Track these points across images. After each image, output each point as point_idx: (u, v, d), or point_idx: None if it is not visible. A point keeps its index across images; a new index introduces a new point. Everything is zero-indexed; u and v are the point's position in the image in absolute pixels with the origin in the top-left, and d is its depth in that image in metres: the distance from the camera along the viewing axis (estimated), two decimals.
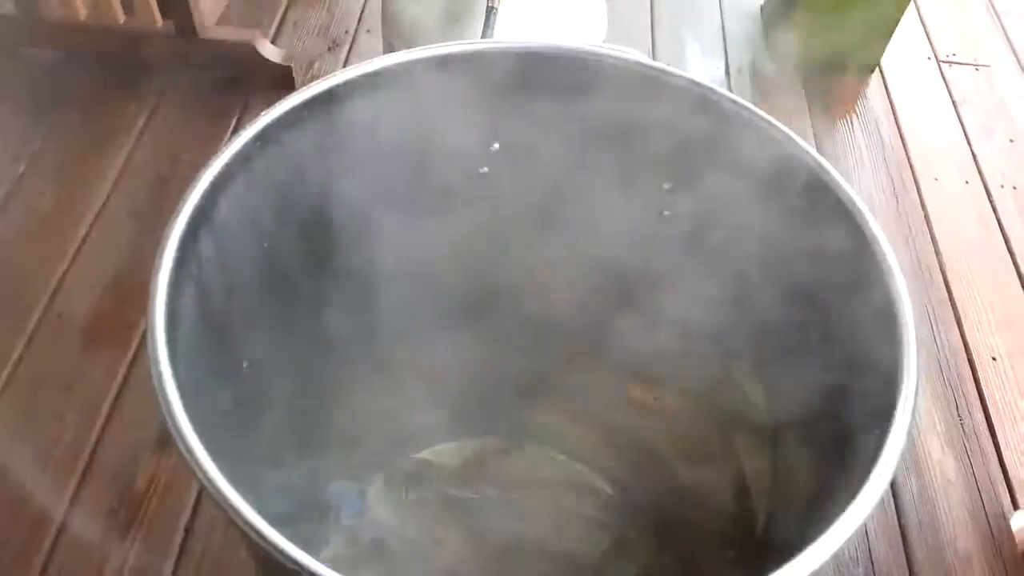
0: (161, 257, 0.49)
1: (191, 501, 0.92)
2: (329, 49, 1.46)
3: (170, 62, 1.38)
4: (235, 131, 1.32)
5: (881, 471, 0.42)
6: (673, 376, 0.74)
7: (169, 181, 1.24)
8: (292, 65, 1.36)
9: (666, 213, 0.67)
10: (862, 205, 0.53)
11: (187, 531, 0.90)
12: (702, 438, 0.74)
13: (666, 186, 0.65)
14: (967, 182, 1.39)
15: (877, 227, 0.52)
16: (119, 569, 0.87)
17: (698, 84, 0.60)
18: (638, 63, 0.60)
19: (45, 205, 1.19)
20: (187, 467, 0.42)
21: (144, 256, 1.12)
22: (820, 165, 0.56)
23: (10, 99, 1.32)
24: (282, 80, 1.36)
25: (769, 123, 0.58)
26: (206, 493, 0.88)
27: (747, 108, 0.59)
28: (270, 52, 1.35)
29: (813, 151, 0.57)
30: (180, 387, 0.44)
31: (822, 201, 0.56)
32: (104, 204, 1.20)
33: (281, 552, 0.39)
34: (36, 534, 0.88)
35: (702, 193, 0.62)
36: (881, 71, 1.55)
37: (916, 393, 0.44)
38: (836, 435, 0.53)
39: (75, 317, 1.07)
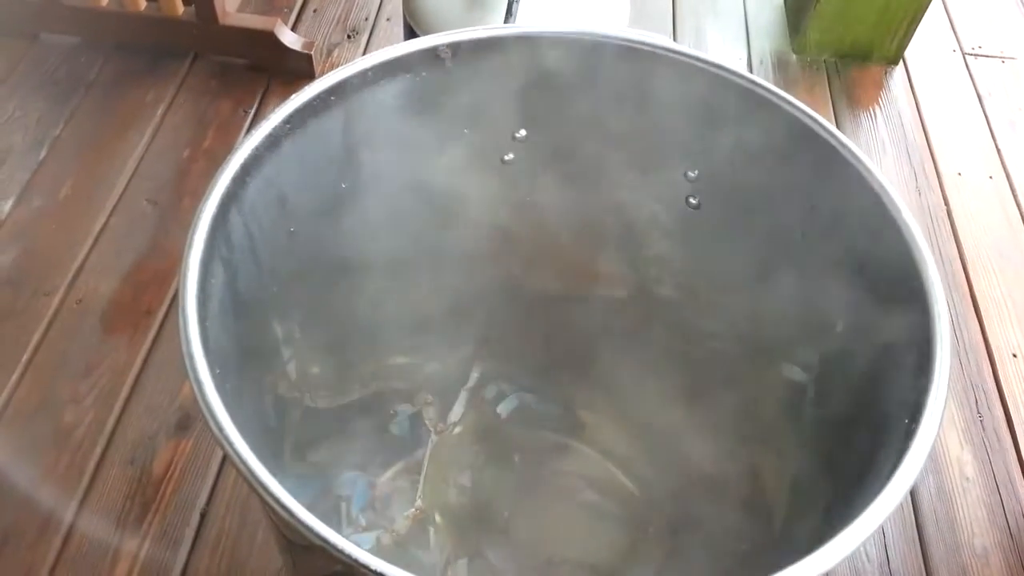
0: (193, 236, 0.48)
1: (208, 486, 0.92)
2: (349, 37, 1.46)
3: (190, 49, 1.38)
4: (255, 119, 1.32)
5: (904, 472, 0.41)
6: (704, 369, 0.74)
7: (188, 168, 1.24)
8: (312, 53, 1.36)
9: (692, 201, 0.66)
10: (899, 200, 0.52)
11: (203, 516, 0.90)
12: (727, 434, 0.73)
13: (691, 174, 0.65)
14: (991, 177, 1.37)
15: (913, 221, 0.52)
16: (135, 552, 0.87)
17: (726, 68, 0.59)
18: (666, 48, 0.60)
19: (65, 191, 1.20)
20: (217, 444, 0.42)
21: (163, 243, 1.15)
22: (856, 157, 0.55)
23: (31, 84, 1.33)
24: (302, 68, 1.36)
25: (797, 107, 0.57)
26: (223, 478, 0.90)
27: (776, 93, 0.58)
28: (290, 39, 1.35)
29: (846, 140, 0.56)
30: (210, 367, 0.44)
31: (856, 191, 0.55)
32: (124, 190, 1.21)
33: (308, 528, 0.39)
34: (54, 517, 0.89)
35: (728, 181, 0.61)
36: (905, 63, 1.54)
37: (947, 395, 0.44)
38: (860, 432, 0.53)
39: (94, 303, 1.08)
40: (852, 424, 0.54)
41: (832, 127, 0.56)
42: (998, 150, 1.41)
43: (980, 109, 1.48)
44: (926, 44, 1.56)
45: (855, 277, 0.55)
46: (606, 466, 0.83)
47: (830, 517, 0.52)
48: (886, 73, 1.52)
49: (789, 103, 0.57)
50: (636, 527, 0.80)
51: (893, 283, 0.51)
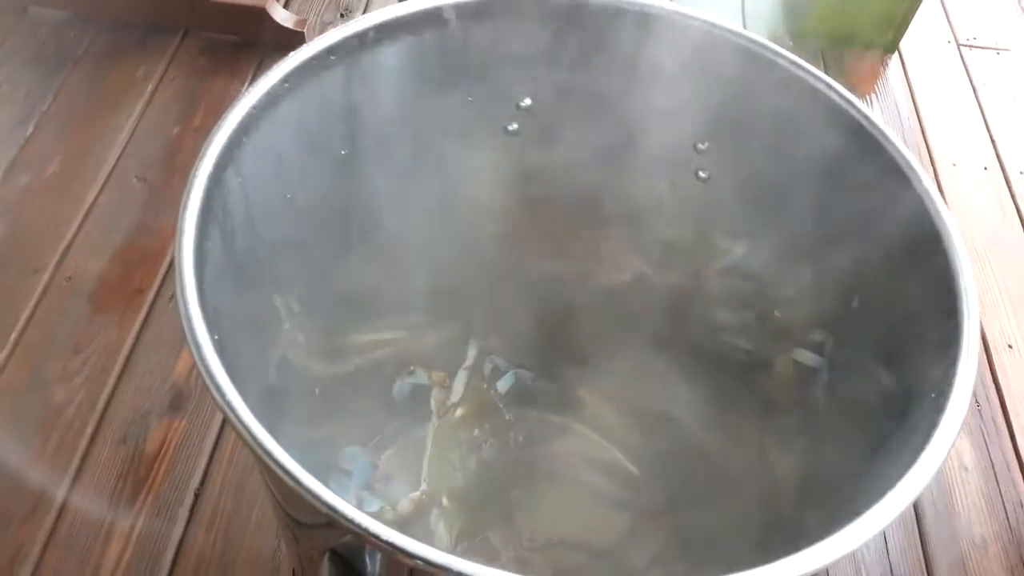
0: (188, 196, 0.47)
1: (201, 466, 0.91)
2: (342, 15, 1.45)
3: (181, 24, 1.36)
4: None
5: (938, 443, 0.40)
6: (708, 351, 0.73)
7: (178, 145, 1.22)
8: (304, 31, 1.34)
9: (701, 175, 0.65)
10: (920, 170, 0.51)
11: (197, 496, 0.88)
12: (733, 418, 0.72)
13: (701, 146, 0.64)
14: (986, 168, 1.37)
15: (935, 191, 0.51)
16: (128, 532, 0.85)
17: (738, 33, 0.58)
18: (676, 12, 0.58)
19: (54, 167, 1.17)
20: (218, 408, 0.40)
21: (153, 222, 1.13)
22: (872, 123, 0.54)
23: (19, 59, 1.30)
24: (294, 45, 1.33)
25: (811, 72, 0.56)
26: (217, 457, 0.89)
27: (789, 59, 0.57)
28: (282, 16, 1.33)
29: (863, 107, 0.55)
30: (209, 333, 0.42)
31: (874, 161, 0.54)
32: (113, 167, 1.18)
33: (314, 494, 0.38)
34: (45, 495, 0.87)
35: (739, 153, 0.60)
36: (900, 54, 1.53)
37: (976, 367, 0.42)
38: (877, 414, 0.52)
39: (84, 280, 1.06)
40: (867, 407, 0.52)
41: (848, 93, 0.55)
42: (992, 141, 1.41)
43: (975, 100, 1.48)
44: (921, 35, 1.56)
45: (872, 251, 0.53)
46: (606, 448, 0.83)
47: (843, 504, 0.51)
48: (882, 62, 1.52)
49: (803, 69, 0.56)
50: (636, 509, 0.79)
51: (914, 256, 0.50)
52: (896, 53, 1.53)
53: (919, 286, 0.49)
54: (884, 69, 1.51)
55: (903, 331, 0.50)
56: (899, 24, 1.49)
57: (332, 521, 0.39)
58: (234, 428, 0.40)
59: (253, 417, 0.40)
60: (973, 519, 0.97)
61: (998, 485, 1.00)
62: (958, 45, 1.57)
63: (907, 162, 0.52)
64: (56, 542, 0.84)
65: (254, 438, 0.40)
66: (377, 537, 0.38)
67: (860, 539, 0.38)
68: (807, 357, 0.62)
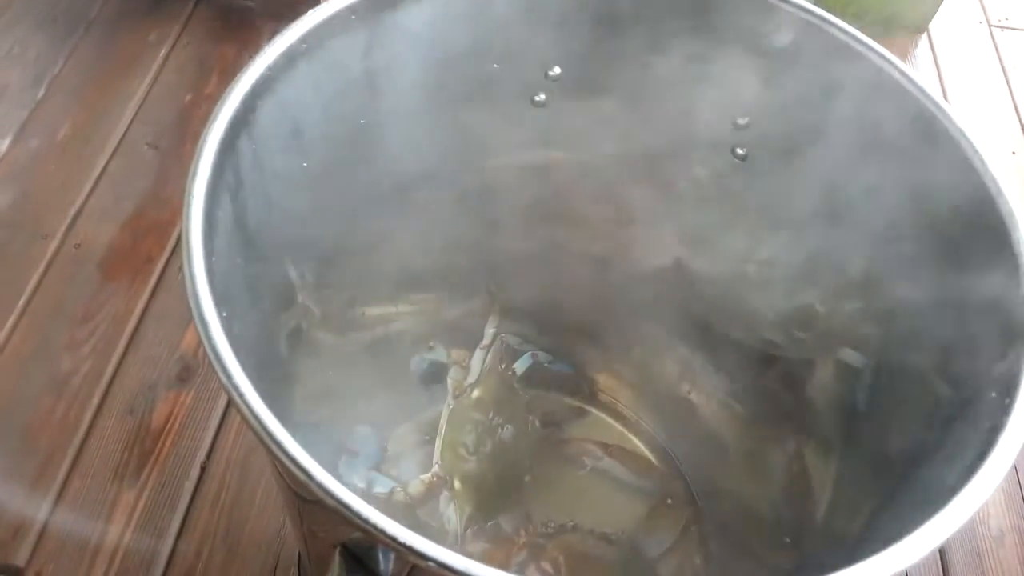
0: (199, 160, 0.44)
1: (208, 439, 0.89)
2: None
3: None
4: None
5: (1007, 441, 0.37)
6: (738, 342, 0.70)
7: (191, 112, 1.20)
8: None
9: (739, 152, 0.62)
10: (984, 151, 0.48)
11: (203, 469, 0.87)
12: (763, 414, 0.69)
13: (741, 121, 0.60)
14: (1014, 152, 1.34)
15: (1000, 172, 0.48)
16: (133, 504, 0.84)
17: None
18: None
19: (64, 132, 1.15)
20: (224, 391, 0.38)
21: (164, 189, 1.11)
22: (934, 102, 0.51)
23: (29, 22, 1.28)
24: None
25: (867, 44, 0.53)
26: (223, 432, 0.87)
27: (842, 28, 0.53)
28: None
29: (919, 80, 0.52)
30: (217, 308, 0.40)
31: (934, 143, 0.51)
32: (124, 133, 1.16)
33: (326, 490, 0.36)
34: (50, 465, 0.86)
35: (780, 130, 0.57)
36: (929, 34, 1.49)
37: None
38: (924, 421, 0.49)
39: (93, 248, 1.04)
40: (915, 408, 0.50)
41: (908, 69, 0.51)
42: (1022, 125, 1.38)
43: (1005, 83, 1.44)
44: (952, 14, 1.52)
45: (929, 239, 0.50)
46: (624, 435, 0.81)
47: (880, 517, 0.49)
48: (911, 43, 1.48)
49: (857, 40, 0.53)
50: (653, 497, 0.77)
51: (975, 244, 0.47)
52: (925, 33, 1.49)
53: (981, 277, 0.46)
54: (913, 49, 1.47)
55: (960, 326, 0.47)
56: (930, 4, 1.44)
57: (342, 516, 0.37)
58: (240, 413, 0.38)
59: (261, 401, 0.38)
60: (990, 511, 0.96)
61: (1017, 477, 0.99)
62: (989, 26, 1.53)
63: (971, 145, 0.49)
64: (59, 512, 0.83)
65: (262, 425, 0.38)
66: (394, 539, 0.35)
67: (920, 552, 0.35)
68: (850, 355, 0.59)
